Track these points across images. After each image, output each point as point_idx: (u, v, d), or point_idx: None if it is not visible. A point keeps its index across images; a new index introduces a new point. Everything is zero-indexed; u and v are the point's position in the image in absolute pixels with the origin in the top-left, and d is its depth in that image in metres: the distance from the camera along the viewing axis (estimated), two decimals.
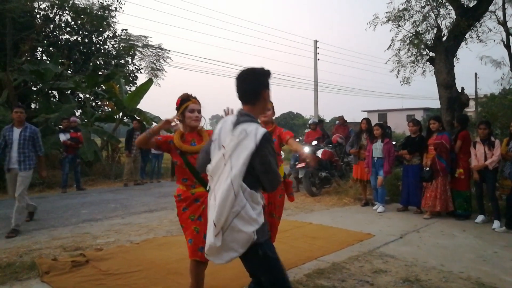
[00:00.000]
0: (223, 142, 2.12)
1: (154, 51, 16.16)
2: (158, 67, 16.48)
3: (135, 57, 16.12)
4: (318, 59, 23.38)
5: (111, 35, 15.45)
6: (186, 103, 2.95)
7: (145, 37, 15.88)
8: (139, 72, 16.48)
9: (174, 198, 3.02)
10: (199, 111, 2.99)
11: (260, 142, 2.02)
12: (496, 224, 5.55)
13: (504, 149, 5.70)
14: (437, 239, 5.04)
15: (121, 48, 15.58)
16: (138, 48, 15.74)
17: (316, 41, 23.54)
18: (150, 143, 2.93)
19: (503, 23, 13.19)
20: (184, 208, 2.92)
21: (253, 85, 2.16)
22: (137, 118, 13.39)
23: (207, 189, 2.69)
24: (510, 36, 13.51)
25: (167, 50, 16.55)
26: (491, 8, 10.23)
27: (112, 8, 14.77)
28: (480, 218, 5.93)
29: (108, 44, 15.54)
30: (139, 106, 13.39)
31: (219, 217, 2.02)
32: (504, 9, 13.13)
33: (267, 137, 2.06)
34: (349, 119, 14.34)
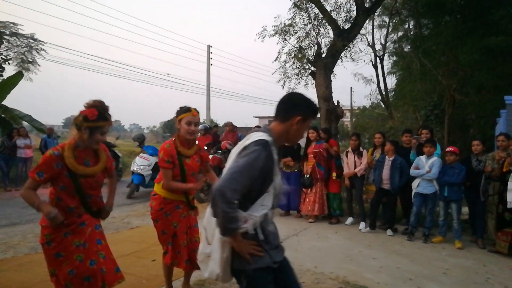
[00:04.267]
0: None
1: (25, 41, 14.28)
2: (30, 60, 14.60)
3: (2, 46, 14.02)
4: (211, 64, 23.52)
5: None
6: (102, 121, 2.42)
7: (14, 24, 13.92)
8: (6, 63, 14.38)
9: (48, 224, 2.40)
10: (109, 125, 2.50)
11: (249, 144, 1.85)
12: (362, 225, 6.21)
13: (369, 158, 6.43)
14: (313, 242, 5.42)
15: None
16: (5, 36, 13.71)
17: (209, 46, 23.64)
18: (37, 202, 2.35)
19: (372, 45, 15.07)
20: (66, 233, 2.41)
21: (286, 104, 2.00)
22: (2, 115, 11.65)
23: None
24: (377, 58, 15.50)
25: (41, 41, 14.77)
26: (363, 31, 11.60)
27: None
28: (349, 220, 6.58)
29: None
30: (5, 102, 11.64)
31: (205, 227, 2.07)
32: (373, 34, 15.02)
33: (261, 142, 1.84)
34: (241, 124, 14.73)
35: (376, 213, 6.17)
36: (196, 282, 3.73)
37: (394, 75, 17.05)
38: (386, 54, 15.75)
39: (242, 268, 1.91)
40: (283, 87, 10.14)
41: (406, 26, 13.96)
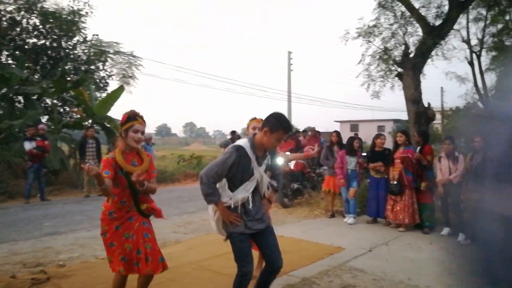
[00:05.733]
0: None
1: (126, 58, 15.88)
2: (130, 75, 16.18)
3: (106, 63, 15.76)
4: (292, 70, 23.69)
5: (81, 40, 15.05)
6: (132, 122, 2.95)
7: (117, 43, 15.58)
8: (110, 78, 16.12)
9: (105, 217, 2.96)
10: (142, 132, 3.00)
11: (230, 147, 2.88)
12: (461, 236, 5.71)
13: (468, 164, 5.92)
14: (405, 252, 5.15)
15: (92, 53, 15.21)
16: (109, 55, 15.40)
17: (289, 52, 23.86)
18: (110, 186, 2.83)
19: (467, 41, 13.83)
20: (117, 227, 2.93)
21: (265, 119, 2.88)
22: (107, 125, 13.09)
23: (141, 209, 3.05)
24: (473, 54, 14.16)
25: (139, 57, 16.31)
26: (456, 27, 10.73)
27: (83, 12, 14.45)
28: (445, 230, 6.11)
29: (78, 49, 15.13)
30: (109, 114, 13.08)
31: None
32: (468, 28, 13.78)
33: (236, 147, 2.81)
34: (322, 129, 14.55)
35: None
36: (286, 286, 3.80)
37: (494, 71, 15.45)
38: (483, 50, 14.33)
39: (227, 230, 2.90)
40: (367, 90, 9.82)
41: (507, 17, 12.57)
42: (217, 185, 2.85)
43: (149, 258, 2.91)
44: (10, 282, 3.75)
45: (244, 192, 2.82)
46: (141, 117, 3.01)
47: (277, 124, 2.77)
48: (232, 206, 2.81)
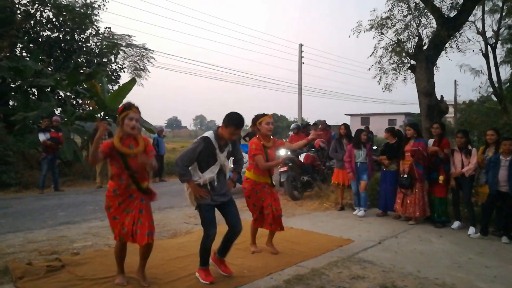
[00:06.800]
0: None
1: (138, 50, 16.00)
2: (142, 67, 16.31)
3: (118, 56, 15.89)
4: (303, 63, 23.56)
5: (94, 33, 15.20)
6: (127, 111, 3.33)
7: (129, 36, 15.72)
8: (122, 71, 16.27)
9: (110, 194, 3.38)
10: (137, 120, 3.37)
11: (198, 137, 3.64)
12: (471, 230, 5.69)
13: (480, 157, 5.85)
14: (415, 245, 5.13)
15: (104, 46, 15.34)
16: (121, 47, 15.52)
17: (301, 45, 23.71)
18: (100, 157, 3.26)
19: (482, 33, 13.56)
20: (120, 203, 3.36)
21: (224, 117, 3.56)
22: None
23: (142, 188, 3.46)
24: (488, 46, 13.87)
25: (151, 50, 16.42)
26: (471, 18, 10.52)
27: (96, 5, 14.56)
28: (456, 224, 6.07)
29: (91, 42, 15.29)
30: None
31: None
32: (483, 20, 13.49)
33: (203, 138, 3.56)
34: (333, 122, 14.48)
35: (490, 217, 5.59)
36: (295, 276, 3.83)
37: (509, 64, 15.11)
38: (499, 42, 14.02)
39: (197, 202, 3.59)
40: (379, 83, 9.70)
41: None
42: (190, 168, 3.53)
43: (138, 231, 3.34)
44: (27, 269, 3.86)
45: (210, 173, 3.55)
46: (136, 107, 3.39)
47: (229, 122, 3.48)
48: (201, 184, 3.53)
